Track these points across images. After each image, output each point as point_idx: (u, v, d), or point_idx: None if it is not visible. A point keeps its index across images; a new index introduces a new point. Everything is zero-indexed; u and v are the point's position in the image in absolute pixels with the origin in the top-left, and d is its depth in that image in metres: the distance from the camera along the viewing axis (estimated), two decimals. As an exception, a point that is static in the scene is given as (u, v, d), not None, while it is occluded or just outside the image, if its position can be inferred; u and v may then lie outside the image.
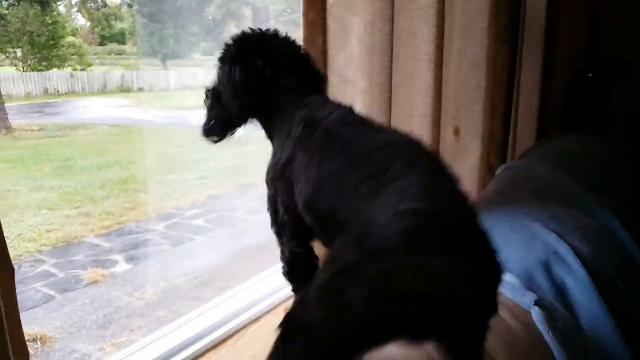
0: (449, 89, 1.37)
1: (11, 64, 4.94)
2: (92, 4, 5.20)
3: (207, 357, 1.26)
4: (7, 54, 4.86)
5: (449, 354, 0.68)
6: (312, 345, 0.59)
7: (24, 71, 5.02)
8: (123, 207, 3.87)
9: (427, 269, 0.55)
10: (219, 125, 0.94)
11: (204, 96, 0.96)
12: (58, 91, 5.45)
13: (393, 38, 1.15)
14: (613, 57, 2.38)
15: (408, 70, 1.21)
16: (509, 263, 1.04)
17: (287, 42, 0.94)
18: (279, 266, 1.70)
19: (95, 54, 5.85)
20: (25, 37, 4.76)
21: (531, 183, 1.37)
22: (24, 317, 0.70)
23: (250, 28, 0.94)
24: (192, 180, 4.65)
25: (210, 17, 6.34)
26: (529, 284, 1.02)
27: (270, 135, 0.94)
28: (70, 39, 5.37)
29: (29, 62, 5.01)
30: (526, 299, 0.95)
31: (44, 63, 5.15)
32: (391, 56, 1.15)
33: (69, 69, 5.56)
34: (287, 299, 1.53)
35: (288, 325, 0.62)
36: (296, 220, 0.82)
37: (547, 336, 0.92)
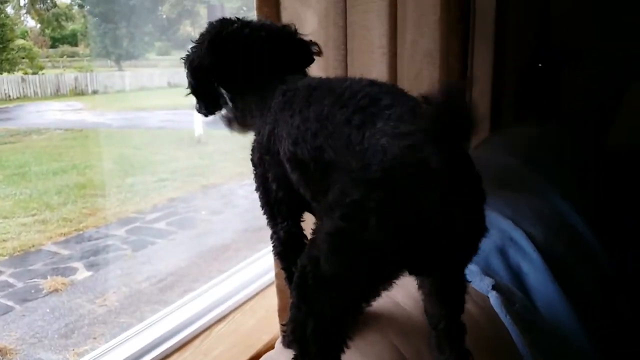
0: (404, 80, 1.39)
1: (-43, 69, 4.76)
2: (42, 5, 5.04)
3: (173, 359, 1.25)
4: (-48, 59, 4.68)
5: (432, 283, 0.71)
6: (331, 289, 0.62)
7: (-29, 76, 4.84)
8: (81, 213, 3.78)
9: (435, 187, 0.55)
10: (197, 105, 0.95)
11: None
12: (9, 96, 5.26)
13: (347, 32, 1.15)
14: (562, 46, 2.46)
15: (363, 63, 1.22)
16: (467, 250, 1.07)
17: (266, 25, 0.92)
18: (244, 264, 1.70)
19: (47, 57, 5.68)
20: (-30, 41, 4.59)
21: (490, 172, 1.40)
22: (-18, 330, 0.68)
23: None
24: (152, 183, 4.57)
25: (164, 16, 6.25)
26: (487, 269, 1.05)
27: (252, 117, 0.92)
28: (20, 41, 5.20)
29: (-25, 67, 4.84)
30: (484, 284, 0.98)
31: (-8, 67, 4.97)
32: (346, 50, 1.16)
33: (19, 73, 5.37)
34: (253, 296, 1.53)
35: (303, 276, 0.64)
36: (291, 195, 0.80)
37: (505, 319, 0.95)
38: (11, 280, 2.98)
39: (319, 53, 0.94)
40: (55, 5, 5.16)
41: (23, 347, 2.42)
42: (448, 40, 1.51)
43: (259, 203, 0.87)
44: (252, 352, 1.25)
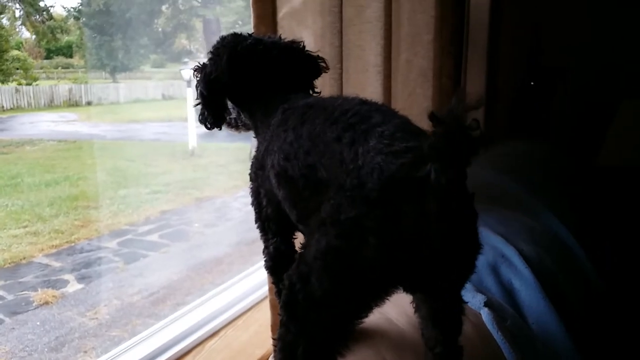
0: (398, 98, 1.41)
1: (-50, 80, 4.75)
2: (37, 17, 5.05)
3: (165, 374, 1.24)
4: (-54, 69, 4.68)
5: (429, 306, 0.71)
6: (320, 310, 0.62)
7: (-36, 87, 4.84)
8: (73, 225, 3.76)
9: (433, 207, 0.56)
10: (201, 116, 0.96)
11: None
12: (3, 107, 5.26)
13: (342, 51, 1.17)
14: (553, 65, 2.50)
15: (358, 81, 1.24)
16: (459, 267, 1.08)
17: (277, 42, 0.94)
18: (237, 278, 1.70)
19: (41, 68, 5.68)
20: (-35, 52, 4.59)
21: (479, 188, 1.42)
22: (-29, 342, 0.68)
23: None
24: (145, 195, 4.56)
25: (160, 29, 6.27)
26: (479, 286, 1.06)
27: (257, 135, 0.94)
28: (14, 52, 5.20)
29: (-31, 77, 4.83)
30: (476, 301, 0.99)
31: (-14, 78, 4.97)
32: (341, 69, 1.18)
33: (14, 84, 5.37)
34: (247, 310, 1.53)
35: (291, 295, 0.64)
36: (280, 214, 0.81)
37: (497, 336, 0.96)
38: (1, 292, 2.95)
39: (326, 68, 0.96)
40: (50, 17, 5.18)
41: (13, 360, 2.40)
42: (441, 60, 1.54)
43: (253, 216, 0.88)
44: (245, 367, 1.25)
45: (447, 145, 0.52)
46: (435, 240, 0.58)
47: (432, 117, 0.53)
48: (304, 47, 0.95)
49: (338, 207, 0.61)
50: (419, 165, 0.54)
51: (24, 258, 3.30)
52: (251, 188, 0.88)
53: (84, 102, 5.95)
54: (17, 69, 5.26)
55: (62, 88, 5.86)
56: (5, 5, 4.68)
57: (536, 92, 2.42)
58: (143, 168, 4.89)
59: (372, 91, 1.22)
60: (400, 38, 1.39)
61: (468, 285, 1.03)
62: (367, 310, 0.65)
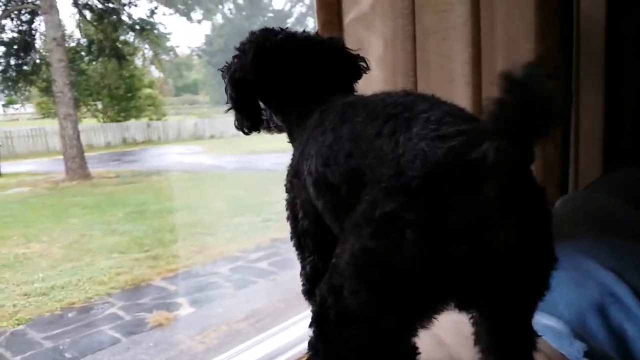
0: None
1: (92, 116, 5.30)
2: (165, 56, 5.51)
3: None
4: (89, 107, 5.23)
5: (491, 334, 0.58)
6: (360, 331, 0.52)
7: (104, 122, 5.38)
8: (190, 251, 3.95)
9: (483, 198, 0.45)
10: (237, 122, 0.90)
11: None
12: (135, 140, 5.76)
13: (416, 57, 1.07)
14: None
15: (442, 93, 1.14)
16: (556, 306, 0.92)
17: (312, 38, 0.86)
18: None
19: (170, 104, 6.17)
20: (104, 90, 5.11)
21: (591, 216, 1.22)
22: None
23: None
24: (257, 223, 4.69)
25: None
26: (581, 330, 0.89)
27: (293, 140, 0.87)
28: (146, 90, 5.71)
29: (108, 114, 5.37)
30: (574, 349, 0.82)
31: (122, 114, 5.49)
32: (415, 77, 1.08)
33: (145, 119, 5.88)
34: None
35: (323, 311, 0.55)
36: (317, 227, 0.73)
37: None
38: (120, 312, 3.13)
39: (367, 68, 0.87)
40: (176, 55, 5.63)
41: (126, 380, 2.51)
42: (546, 71, 1.37)
43: None
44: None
45: (517, 116, 0.41)
46: (495, 237, 0.46)
47: (505, 76, 0.42)
48: (343, 44, 0.86)
49: (373, 202, 0.51)
50: (472, 147, 0.44)
51: (143, 280, 3.50)
52: (286, 200, 0.80)
53: (207, 135, 6.35)
54: (149, 105, 5.77)
55: (188, 122, 6.32)
56: (137, 47, 5.16)
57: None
58: (257, 197, 5.04)
59: (459, 102, 1.11)
60: (493, 46, 1.25)
61: (564, 330, 0.86)
62: (409, 330, 0.54)
